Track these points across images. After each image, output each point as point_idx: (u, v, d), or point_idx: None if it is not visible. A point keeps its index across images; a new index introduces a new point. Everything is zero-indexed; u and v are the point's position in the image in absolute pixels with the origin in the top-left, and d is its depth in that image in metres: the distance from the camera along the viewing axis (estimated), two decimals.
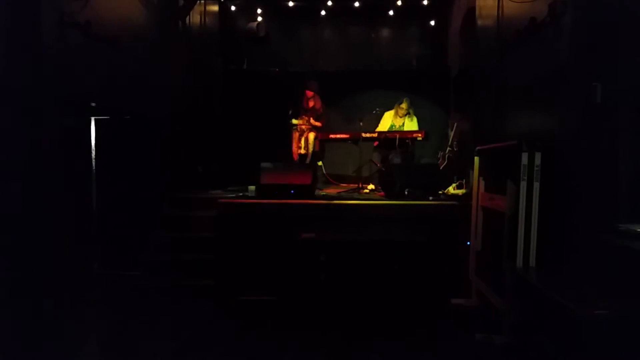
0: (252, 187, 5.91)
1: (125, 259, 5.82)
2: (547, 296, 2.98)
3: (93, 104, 5.23)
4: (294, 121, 7.67)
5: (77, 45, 4.56)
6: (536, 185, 3.63)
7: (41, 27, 4.12)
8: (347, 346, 4.08)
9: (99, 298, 5.37)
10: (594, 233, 3.19)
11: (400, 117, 7.28)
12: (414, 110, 7.41)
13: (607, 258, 3.07)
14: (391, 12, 8.89)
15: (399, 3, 8.69)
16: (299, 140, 7.67)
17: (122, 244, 5.96)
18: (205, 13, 7.97)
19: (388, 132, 7.05)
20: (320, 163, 7.62)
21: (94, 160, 5.99)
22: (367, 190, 6.72)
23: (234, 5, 9.07)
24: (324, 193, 6.36)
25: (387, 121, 7.36)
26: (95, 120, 6.01)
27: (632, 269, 2.82)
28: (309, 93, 7.67)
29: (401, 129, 7.19)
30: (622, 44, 3.25)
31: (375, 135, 6.88)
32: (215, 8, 8.61)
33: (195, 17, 7.58)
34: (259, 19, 9.08)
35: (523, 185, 3.67)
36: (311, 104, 7.67)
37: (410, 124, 7.25)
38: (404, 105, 7.23)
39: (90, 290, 5.54)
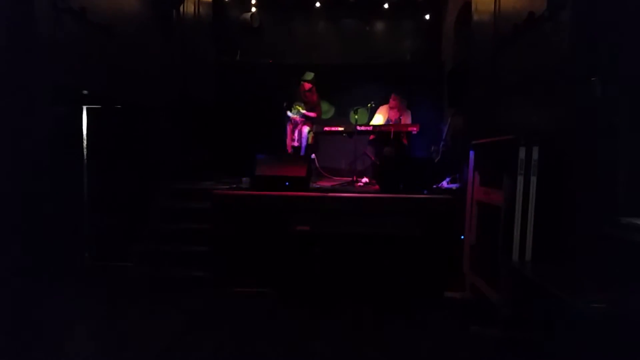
0: (246, 179, 5.87)
1: (117, 250, 5.76)
2: (544, 289, 2.99)
3: (85, 92, 5.15)
4: (290, 113, 7.60)
5: (70, 32, 4.48)
6: (533, 179, 3.64)
7: (34, 11, 4.04)
8: (340, 338, 4.08)
9: (91, 289, 5.31)
10: (592, 227, 3.21)
11: (392, 109, 7.28)
12: (408, 104, 7.42)
13: (606, 251, 3.08)
14: (386, 5, 8.86)
15: None
16: (293, 132, 7.63)
17: (114, 234, 5.90)
18: (199, 3, 7.88)
19: (382, 125, 7.04)
20: (312, 156, 7.59)
21: (85, 149, 5.92)
22: (362, 184, 6.72)
23: None
24: (318, 186, 6.35)
25: (382, 115, 7.36)
26: (87, 109, 5.92)
27: (630, 262, 2.84)
28: (307, 85, 7.61)
29: (397, 122, 7.20)
30: (622, 39, 3.26)
31: (370, 128, 6.87)
32: None
33: (189, 7, 7.49)
34: (253, 9, 9.01)
35: (520, 179, 3.68)
36: (307, 95, 7.63)
37: (406, 118, 7.26)
38: (392, 101, 7.26)
39: (82, 281, 5.48)
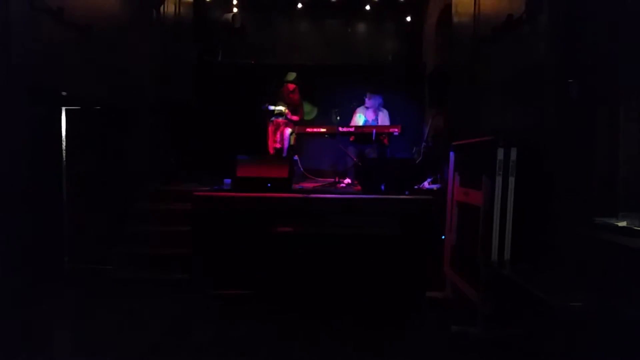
0: (227, 180, 5.84)
1: (98, 253, 5.69)
2: (522, 288, 3.03)
3: (64, 93, 5.08)
4: (273, 108, 7.55)
5: (48, 32, 4.42)
6: (511, 180, 3.69)
7: (10, 11, 3.98)
8: (323, 338, 4.08)
9: (71, 292, 5.24)
10: (570, 227, 3.27)
11: (368, 109, 7.32)
12: (388, 105, 7.46)
13: (583, 251, 3.14)
14: (367, 7, 8.91)
15: None
16: (275, 134, 7.61)
17: (94, 237, 5.83)
18: (179, 3, 7.82)
19: (364, 126, 7.07)
20: (295, 157, 7.58)
21: (64, 151, 5.83)
22: (344, 185, 6.73)
23: None
24: (300, 187, 6.34)
25: (359, 116, 7.39)
26: (66, 110, 5.84)
27: (606, 261, 2.89)
28: (290, 86, 7.60)
29: (374, 122, 7.24)
30: (598, 42, 3.32)
31: (352, 129, 6.88)
32: None
33: (169, 7, 7.44)
34: (235, 10, 8.97)
35: (498, 180, 3.73)
36: (291, 97, 7.62)
37: (383, 117, 7.29)
38: (368, 101, 7.30)
39: (61, 284, 5.40)
